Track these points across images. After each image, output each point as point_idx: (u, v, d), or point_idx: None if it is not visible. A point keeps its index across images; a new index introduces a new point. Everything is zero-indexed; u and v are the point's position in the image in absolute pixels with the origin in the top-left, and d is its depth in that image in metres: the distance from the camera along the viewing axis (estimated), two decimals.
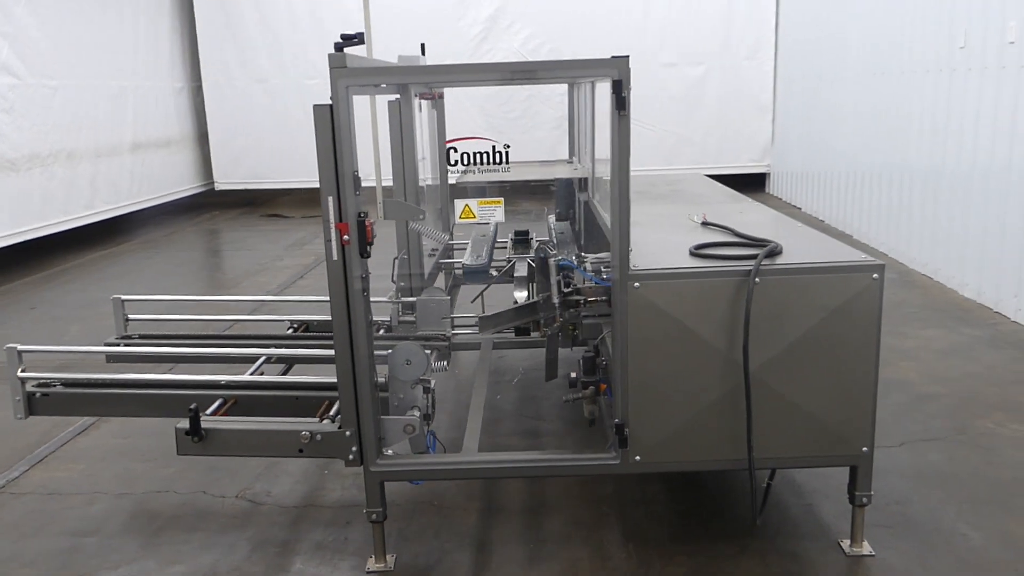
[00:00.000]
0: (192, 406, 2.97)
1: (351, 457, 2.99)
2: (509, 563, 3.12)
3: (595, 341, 3.28)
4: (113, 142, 10.11)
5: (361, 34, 2.69)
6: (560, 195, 5.46)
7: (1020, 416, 4.20)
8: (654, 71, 11.57)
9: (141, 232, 10.85)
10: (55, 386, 3.39)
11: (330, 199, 2.78)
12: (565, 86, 11.62)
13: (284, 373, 3.86)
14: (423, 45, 4.76)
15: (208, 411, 3.16)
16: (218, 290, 7.65)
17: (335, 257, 2.83)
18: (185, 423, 3.00)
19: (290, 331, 4.22)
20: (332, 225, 2.80)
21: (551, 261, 3.31)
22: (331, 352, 3.69)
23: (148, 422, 4.45)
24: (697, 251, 3.12)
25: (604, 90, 4.19)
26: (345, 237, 2.80)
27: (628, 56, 2.66)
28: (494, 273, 4.24)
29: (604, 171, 4.29)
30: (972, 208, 6.14)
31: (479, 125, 11.88)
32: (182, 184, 11.96)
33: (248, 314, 5.79)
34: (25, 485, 3.91)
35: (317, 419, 3.08)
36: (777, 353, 2.87)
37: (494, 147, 2.77)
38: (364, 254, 2.80)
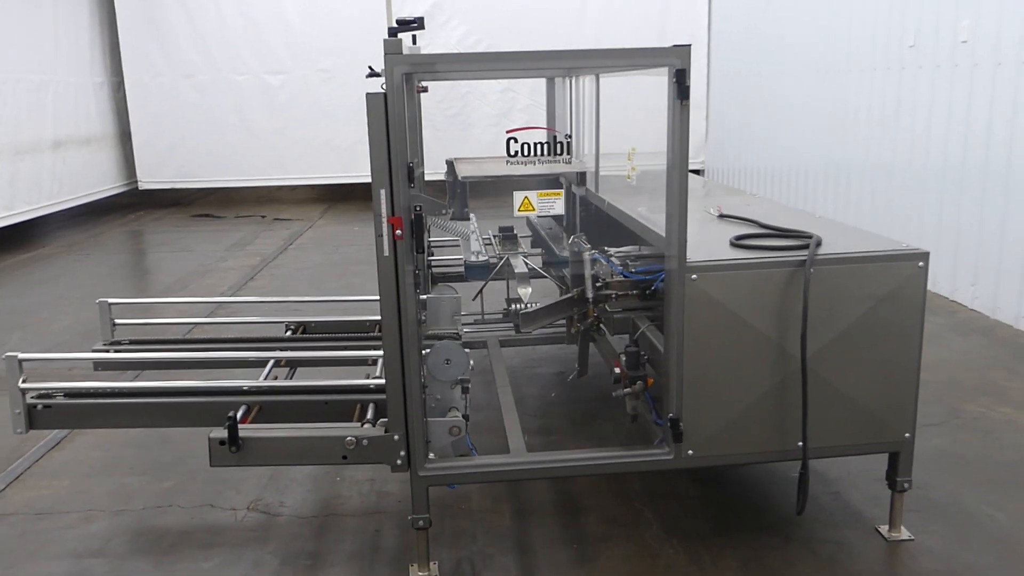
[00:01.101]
0: (230, 414, 2.78)
1: (399, 462, 2.86)
2: (557, 565, 3.05)
3: (635, 335, 3.24)
4: (33, 139, 9.49)
5: (421, 19, 2.57)
6: None
7: (1006, 400, 4.39)
8: None
9: (62, 234, 10.22)
10: (56, 397, 3.12)
11: (382, 192, 2.65)
12: (502, 84, 11.66)
13: (289, 377, 3.68)
14: (414, 36, 4.61)
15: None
16: (163, 293, 7.27)
17: (386, 253, 2.69)
18: (220, 432, 2.81)
19: (288, 333, 4.02)
20: (384, 219, 2.67)
21: (586, 256, 3.26)
22: (341, 354, 3.58)
23: (126, 434, 4.20)
24: (738, 242, 3.12)
25: (612, 83, 4.18)
26: (398, 232, 2.67)
27: (690, 45, 2.63)
28: None
29: (607, 165, 4.28)
30: (926, 202, 6.41)
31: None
32: (104, 183, 11.34)
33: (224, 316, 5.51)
34: (7, 505, 3.60)
35: (358, 424, 2.93)
36: (827, 342, 2.89)
37: (555, 137, 2.69)
38: (420, 249, 2.68)
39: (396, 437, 2.84)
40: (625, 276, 3.31)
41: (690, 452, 2.94)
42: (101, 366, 3.75)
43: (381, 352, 3.50)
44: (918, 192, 6.52)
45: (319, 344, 3.80)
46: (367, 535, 3.29)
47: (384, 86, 2.60)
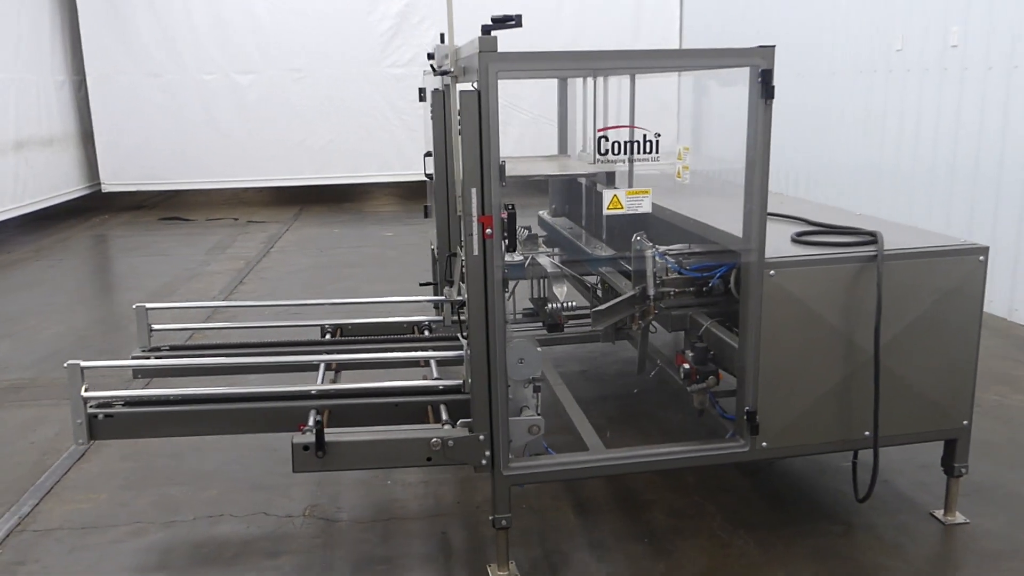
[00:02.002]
0: (317, 418, 2.74)
1: (483, 462, 2.85)
2: (635, 559, 3.08)
3: (699, 332, 3.28)
4: None
5: (519, 16, 2.57)
6: (556, 191, 5.42)
7: (1019, 388, 4.57)
8: None
9: (26, 239, 9.85)
10: (115, 406, 3.03)
11: (473, 191, 2.64)
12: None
13: (334, 380, 3.63)
14: (443, 35, 4.59)
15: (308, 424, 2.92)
16: (150, 299, 7.06)
17: (476, 252, 2.68)
18: (304, 437, 2.77)
19: (328, 336, 3.97)
20: (475, 218, 2.66)
21: (648, 253, 3.29)
22: (394, 356, 3.55)
23: (155, 445, 4.09)
24: (800, 239, 3.20)
25: (644, 82, 4.22)
26: (488, 231, 2.66)
27: (774, 46, 2.69)
28: None
29: (641, 165, 4.32)
30: (915, 203, 6.62)
31: (388, 119, 11.66)
32: (67, 185, 10.97)
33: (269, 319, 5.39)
34: (47, 521, 3.47)
35: (438, 425, 2.91)
36: (894, 335, 2.98)
37: (644, 135, 2.71)
38: (513, 247, 2.68)
39: (481, 437, 2.83)
40: (681, 273, 3.37)
41: (764, 444, 3.00)
42: (140, 373, 3.65)
43: (433, 353, 3.52)
44: (905, 193, 6.73)
45: (365, 347, 3.76)
46: (435, 538, 3.27)
47: (476, 84, 2.59)
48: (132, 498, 3.65)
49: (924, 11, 6.47)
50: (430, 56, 4.21)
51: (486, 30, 2.57)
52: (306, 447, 2.76)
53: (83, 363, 2.94)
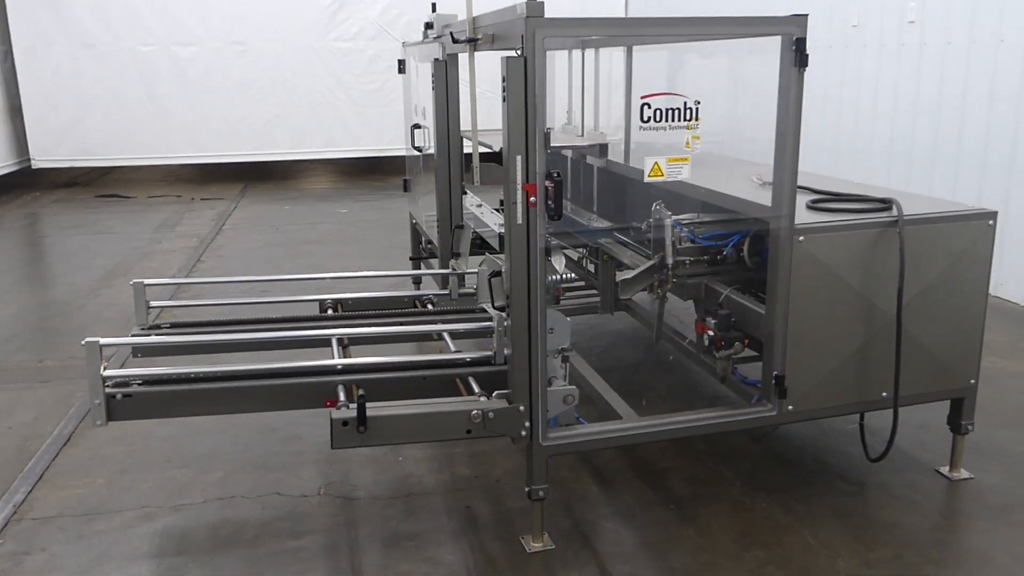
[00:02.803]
0: (360, 393, 2.67)
1: (523, 433, 2.84)
2: (664, 525, 3.11)
3: (719, 300, 3.31)
4: None
5: None
6: None
7: (990, 351, 4.77)
8: None
9: None
10: (132, 385, 2.89)
11: (518, 158, 2.59)
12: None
13: (349, 357, 3.55)
14: (434, 4, 4.50)
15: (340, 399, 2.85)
16: (107, 278, 6.77)
17: (519, 221, 2.65)
18: (343, 413, 2.70)
19: (329, 311, 3.87)
20: (519, 186, 2.62)
21: (667, 222, 3.31)
22: (407, 329, 3.49)
23: (148, 427, 3.94)
24: (815, 206, 3.26)
25: (643, 55, 4.22)
26: (532, 199, 2.63)
27: (807, 15, 2.72)
28: None
29: (640, 136, 4.33)
30: (874, 176, 6.83)
31: (334, 94, 11.41)
32: None
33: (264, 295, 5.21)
34: (45, 508, 3.31)
35: (476, 397, 2.88)
36: (910, 297, 3.07)
37: (685, 103, 2.71)
38: (558, 216, 2.65)
39: (521, 408, 2.81)
40: (694, 242, 3.40)
41: (790, 408, 3.07)
42: (140, 352, 3.50)
43: (446, 326, 3.47)
44: (865, 167, 6.93)
45: (373, 321, 3.67)
46: (459, 512, 3.24)
47: (521, 51, 2.54)
48: (133, 482, 3.51)
49: None
50: (430, 26, 4.11)
51: None
52: (345, 423, 2.69)
53: (101, 340, 2.80)
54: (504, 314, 3.13)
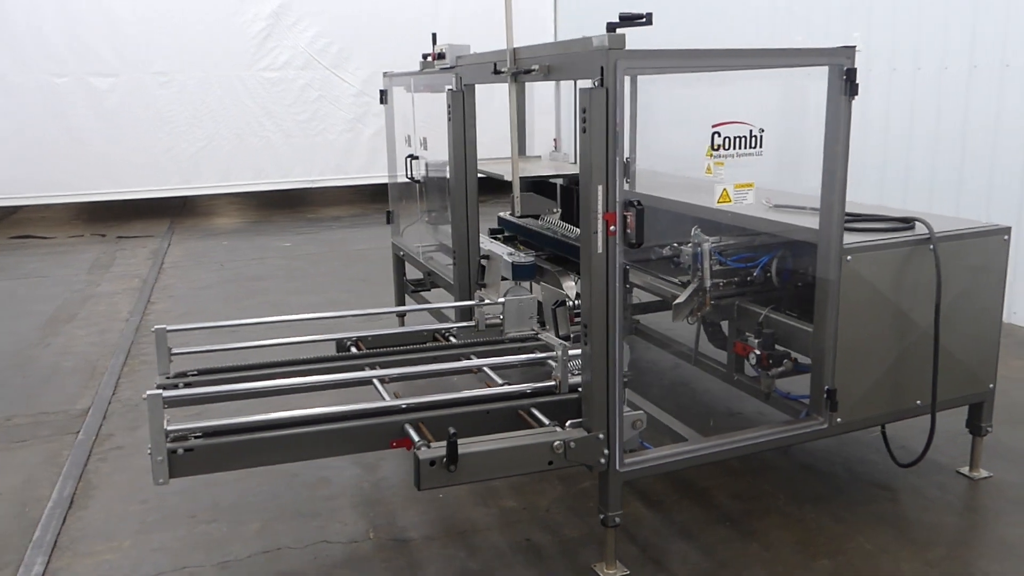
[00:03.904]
0: (451, 431, 2.61)
1: (602, 461, 2.84)
2: (728, 542, 3.17)
3: (759, 320, 3.42)
4: None
5: (650, 14, 2.56)
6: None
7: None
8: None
9: None
10: (190, 439, 2.73)
11: (600, 188, 2.62)
12: (356, 89, 11.36)
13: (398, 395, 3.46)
14: (435, 35, 4.48)
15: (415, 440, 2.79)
16: (50, 324, 6.37)
17: (599, 250, 2.67)
18: (431, 452, 2.63)
19: (353, 350, 3.78)
20: (599, 215, 2.64)
21: (705, 247, 3.40)
22: (448, 366, 3.44)
23: (148, 480, 3.72)
24: (846, 227, 3.42)
25: (650, 84, 4.33)
26: (611, 228, 2.65)
27: (855, 46, 2.87)
28: None
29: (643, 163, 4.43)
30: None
31: (263, 125, 11.14)
32: None
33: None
34: None
35: (552, 427, 2.86)
36: (943, 309, 3.26)
37: (751, 131, 2.80)
38: (639, 243, 2.68)
39: (600, 436, 2.82)
40: (725, 264, 3.51)
41: (839, 420, 3.19)
42: (168, 404, 3.31)
43: (482, 360, 3.44)
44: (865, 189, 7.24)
45: (401, 359, 3.60)
46: (521, 546, 3.21)
47: (598, 82, 2.57)
48: (163, 541, 3.31)
49: (826, 14, 7.03)
50: (441, 56, 4.09)
51: (611, 27, 2.56)
52: (433, 462, 2.62)
53: (165, 392, 2.64)
54: (568, 343, 3.15)
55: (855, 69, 2.87)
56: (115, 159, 10.57)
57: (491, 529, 3.33)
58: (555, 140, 5.19)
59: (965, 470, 3.63)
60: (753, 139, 2.81)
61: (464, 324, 3.93)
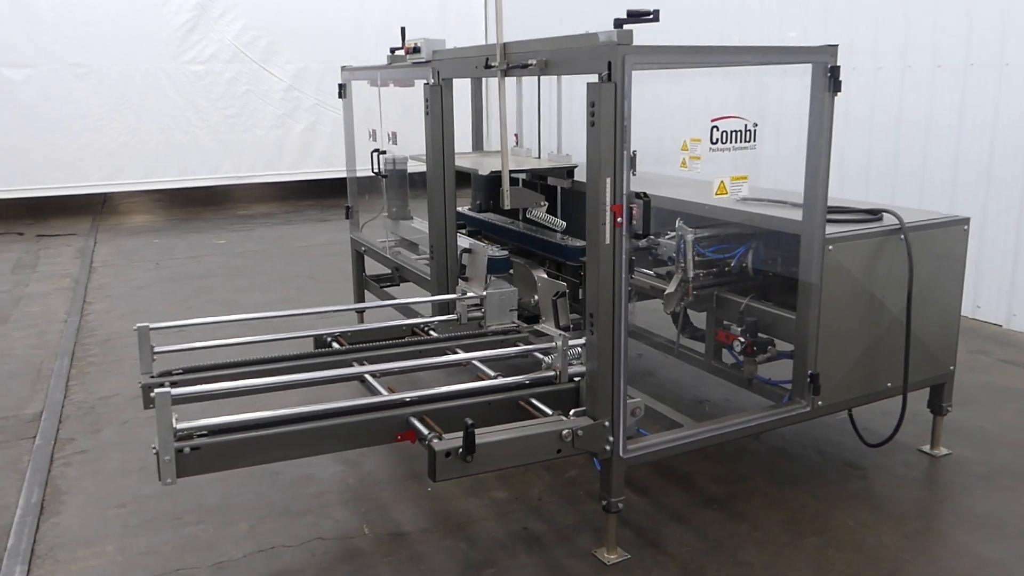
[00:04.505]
0: (469, 422, 2.62)
1: (607, 448, 2.90)
2: (720, 523, 3.27)
3: (740, 308, 3.54)
4: None
5: (657, 11, 2.62)
6: (480, 187, 5.43)
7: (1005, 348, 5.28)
8: None
9: None
10: (195, 437, 2.66)
11: (608, 180, 2.68)
12: (286, 84, 11.14)
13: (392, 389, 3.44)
14: (403, 29, 4.45)
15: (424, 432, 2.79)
16: None
17: (607, 241, 2.73)
18: (446, 444, 2.64)
19: (335, 345, 3.74)
20: (607, 207, 2.70)
21: (689, 238, 3.50)
22: (442, 359, 3.46)
23: (126, 486, 3.63)
24: None
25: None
26: (619, 220, 2.72)
27: (838, 45, 3.01)
28: None
29: None
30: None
31: (188, 119, 10.80)
32: None
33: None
34: None
35: (560, 416, 2.91)
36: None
37: (745, 125, 2.89)
38: (645, 234, 2.75)
39: (606, 424, 2.88)
40: (705, 255, 3.63)
41: (819, 403, 3.34)
42: (151, 403, 3.21)
43: (480, 353, 3.47)
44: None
45: (387, 353, 3.59)
46: (520, 535, 3.24)
47: (605, 76, 2.62)
48: (150, 544, 3.20)
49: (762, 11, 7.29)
50: (416, 50, 4.07)
51: (619, 23, 2.62)
52: (448, 453, 2.63)
53: (174, 390, 2.56)
54: (568, 334, 3.20)
55: (838, 67, 3.02)
56: (29, 154, 10.05)
57: (487, 520, 3.35)
58: (516, 135, 5.22)
59: (926, 448, 3.85)
60: (747, 133, 2.91)
61: (445, 318, 3.93)
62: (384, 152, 4.76)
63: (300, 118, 11.41)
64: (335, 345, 3.74)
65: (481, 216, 5.22)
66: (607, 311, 2.80)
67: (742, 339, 3.43)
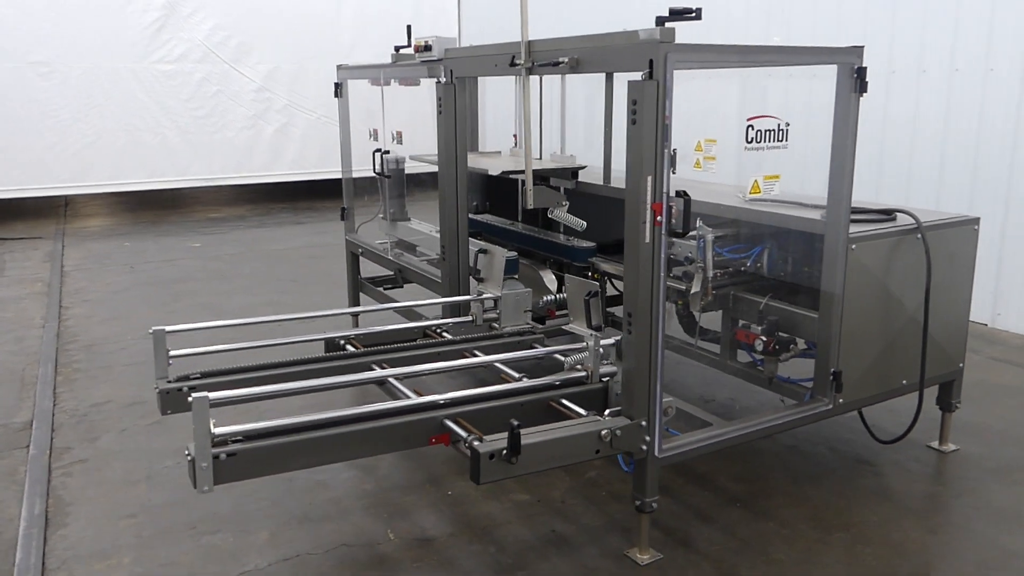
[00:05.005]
0: (515, 423, 2.58)
1: (644, 447, 2.89)
2: (746, 522, 3.28)
3: (760, 307, 3.56)
4: None
5: (699, 9, 2.62)
6: (477, 188, 5.40)
7: (992, 346, 5.41)
8: None
9: None
10: (229, 444, 2.58)
11: (649, 179, 2.67)
12: (257, 84, 10.95)
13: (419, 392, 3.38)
14: (409, 28, 4.40)
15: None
16: None
17: (647, 239, 2.72)
18: (490, 445, 2.60)
19: (349, 348, 3.67)
20: (648, 205, 2.69)
21: (709, 238, 3.51)
22: (465, 362, 3.42)
23: (136, 496, 3.52)
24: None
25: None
26: (658, 218, 2.71)
27: (863, 46, 3.05)
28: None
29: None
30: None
31: (157, 120, 10.55)
32: None
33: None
34: None
35: (596, 417, 2.89)
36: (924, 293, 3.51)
37: (779, 124, 2.91)
38: (686, 231, 2.74)
39: (643, 423, 2.87)
40: (722, 255, 3.64)
41: (840, 401, 3.38)
42: (168, 409, 3.12)
43: (498, 356, 3.44)
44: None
45: (406, 356, 3.53)
46: (549, 538, 3.21)
47: (647, 74, 2.62)
48: (169, 555, 3.10)
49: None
50: (427, 48, 4.02)
51: (660, 21, 2.62)
52: (492, 455, 2.60)
53: (211, 394, 2.48)
54: (599, 334, 3.18)
55: (865, 68, 3.05)
56: None
57: (511, 523, 3.32)
58: (515, 136, 5.19)
59: (935, 444, 3.92)
60: (780, 132, 2.93)
61: (460, 319, 3.89)
62: (388, 152, 4.69)
63: (272, 119, 11.23)
64: (349, 348, 3.66)
65: (478, 218, 5.19)
66: (645, 310, 2.79)
67: (763, 338, 3.44)
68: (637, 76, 2.66)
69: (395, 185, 5.10)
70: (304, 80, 11.31)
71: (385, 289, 5.08)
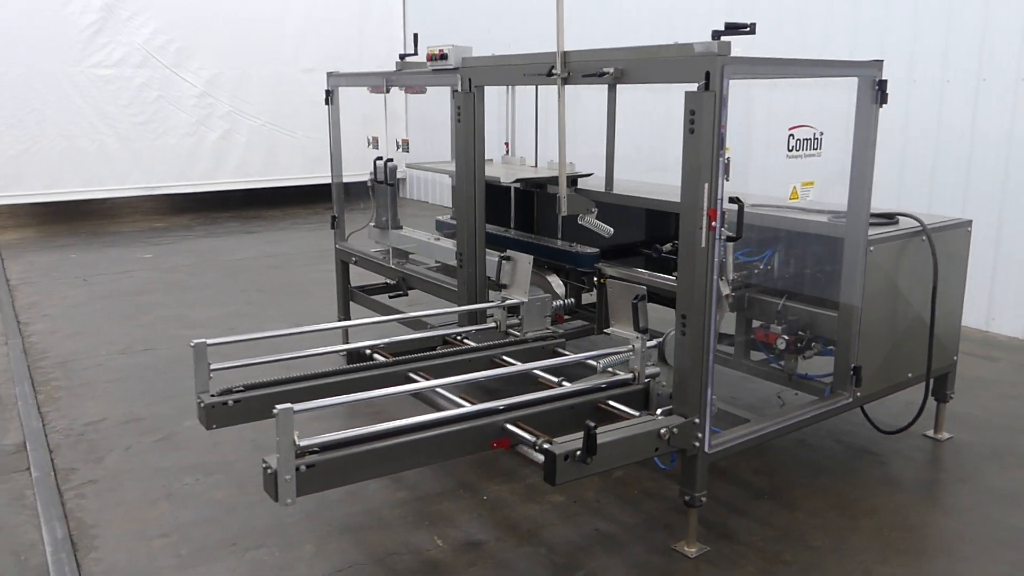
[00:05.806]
0: (591, 424, 2.64)
1: (696, 444, 2.99)
2: (777, 512, 3.42)
3: (777, 308, 3.71)
4: None
5: (754, 24, 2.73)
6: None
7: (984, 350, 5.68)
8: (294, 76, 11.28)
9: None
10: (306, 456, 2.56)
11: (706, 186, 2.78)
12: (199, 90, 10.67)
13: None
14: (416, 35, 4.40)
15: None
16: None
17: (703, 244, 2.83)
18: (564, 447, 2.65)
19: (378, 357, 3.66)
20: (704, 212, 2.80)
21: (729, 244, 3.64)
22: (513, 369, 3.46)
23: (156, 513, 3.43)
24: (835, 222, 3.81)
25: (630, 91, 4.52)
26: (713, 224, 2.82)
27: (883, 60, 3.24)
28: None
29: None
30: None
31: (94, 126, 10.17)
32: None
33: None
34: None
35: (652, 416, 2.98)
36: (926, 291, 3.73)
37: (815, 134, 3.05)
38: (739, 236, 2.86)
39: (697, 420, 2.97)
40: (743, 260, 3.80)
41: (858, 394, 3.56)
42: (213, 423, 3.06)
43: (544, 362, 3.48)
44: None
45: (442, 364, 3.54)
46: (595, 536, 3.28)
47: (703, 86, 2.72)
48: (216, 573, 3.04)
49: None
50: (443, 56, 4.03)
51: (716, 34, 2.73)
52: (567, 456, 2.65)
53: (296, 406, 2.45)
54: (646, 336, 3.27)
55: (885, 80, 3.24)
56: None
57: (554, 524, 3.37)
58: (506, 144, 5.24)
59: (931, 433, 4.16)
60: (815, 140, 3.08)
61: (483, 327, 3.92)
62: (391, 160, 4.68)
63: (214, 126, 10.97)
64: (378, 357, 3.65)
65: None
66: (699, 312, 2.90)
67: (785, 337, 3.60)
68: (691, 87, 2.77)
69: (388, 192, 5.09)
70: (247, 86, 11.10)
71: (392, 296, 5.05)
